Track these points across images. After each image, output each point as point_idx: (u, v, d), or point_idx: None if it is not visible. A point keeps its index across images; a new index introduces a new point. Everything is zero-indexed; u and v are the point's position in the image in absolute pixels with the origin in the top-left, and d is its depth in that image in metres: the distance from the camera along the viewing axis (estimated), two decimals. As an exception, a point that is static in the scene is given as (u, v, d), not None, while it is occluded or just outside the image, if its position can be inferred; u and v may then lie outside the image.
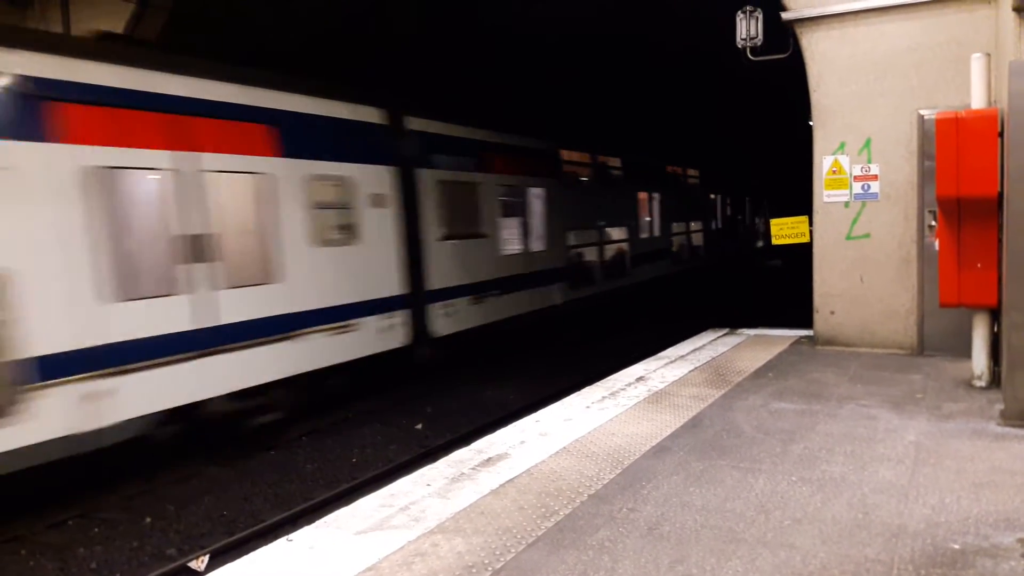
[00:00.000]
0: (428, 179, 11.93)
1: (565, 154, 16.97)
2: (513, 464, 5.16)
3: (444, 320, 12.21)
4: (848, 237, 8.46)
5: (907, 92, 8.05)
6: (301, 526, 4.69)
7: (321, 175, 9.88)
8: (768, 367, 7.81)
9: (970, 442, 5.20)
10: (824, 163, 8.50)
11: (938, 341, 8.03)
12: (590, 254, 17.83)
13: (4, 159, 6.64)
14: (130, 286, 7.66)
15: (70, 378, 7.01)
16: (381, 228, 10.93)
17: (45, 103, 6.99)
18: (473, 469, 5.11)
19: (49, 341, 6.88)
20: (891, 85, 8.11)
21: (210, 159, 8.43)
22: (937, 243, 7.12)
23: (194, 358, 8.12)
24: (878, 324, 8.39)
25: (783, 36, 8.82)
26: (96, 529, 7.34)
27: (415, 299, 11.54)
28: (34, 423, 6.70)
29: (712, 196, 29.05)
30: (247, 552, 4.19)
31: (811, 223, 8.78)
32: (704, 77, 20.69)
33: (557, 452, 5.36)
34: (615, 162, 19.57)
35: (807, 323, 9.08)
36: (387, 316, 10.92)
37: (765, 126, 28.78)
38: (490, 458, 5.31)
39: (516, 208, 14.84)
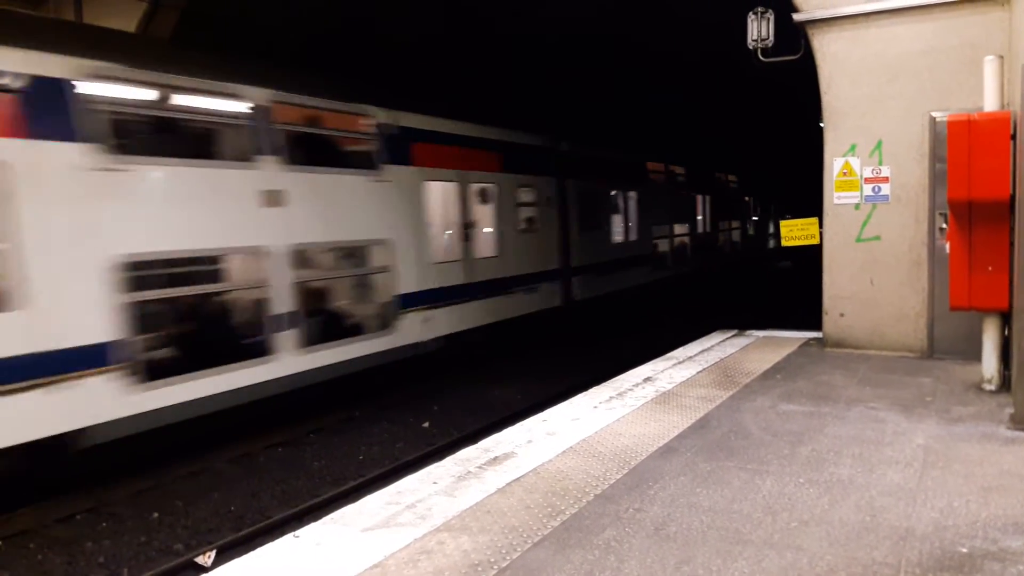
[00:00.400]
0: (572, 187, 16.51)
1: (649, 165, 21.60)
2: (520, 463, 5.16)
3: (580, 289, 16.83)
4: (858, 239, 8.42)
5: (919, 94, 7.99)
6: (308, 523, 4.72)
7: (521, 183, 14.50)
8: (776, 369, 7.78)
9: (979, 446, 5.17)
10: (835, 165, 8.46)
11: (948, 344, 7.98)
12: (663, 245, 22.33)
13: (389, 175, 10.90)
14: (439, 253, 12.20)
15: (417, 308, 11.39)
16: (549, 221, 15.60)
17: (408, 142, 11.30)
18: (480, 468, 5.11)
19: (408, 284, 11.23)
20: (903, 87, 8.06)
21: (473, 175, 13.04)
22: (948, 246, 7.08)
23: (463, 302, 12.58)
24: (888, 327, 8.35)
25: (794, 38, 8.79)
26: (104, 524, 7.39)
27: (565, 273, 16.17)
28: (402, 333, 11.11)
29: (746, 198, 32.65)
30: (254, 548, 4.22)
31: (821, 225, 8.75)
32: (731, 82, 21.10)
33: (564, 452, 5.36)
34: (680, 170, 24.01)
35: (816, 325, 9.05)
36: (552, 283, 15.66)
37: (778, 128, 28.78)
38: (497, 457, 5.32)
39: (620, 208, 19.62)
